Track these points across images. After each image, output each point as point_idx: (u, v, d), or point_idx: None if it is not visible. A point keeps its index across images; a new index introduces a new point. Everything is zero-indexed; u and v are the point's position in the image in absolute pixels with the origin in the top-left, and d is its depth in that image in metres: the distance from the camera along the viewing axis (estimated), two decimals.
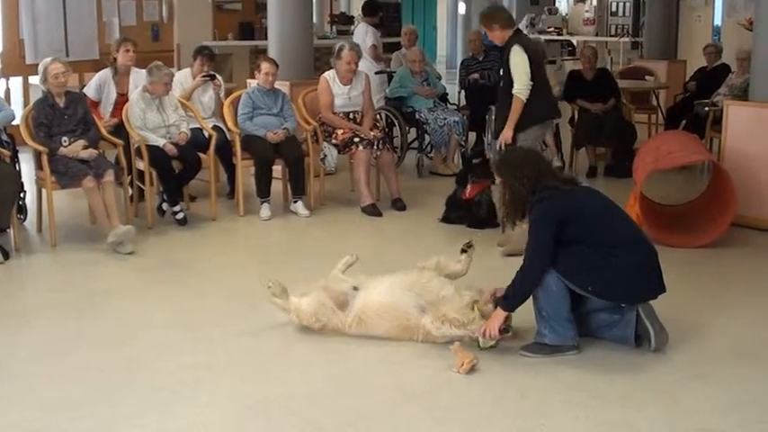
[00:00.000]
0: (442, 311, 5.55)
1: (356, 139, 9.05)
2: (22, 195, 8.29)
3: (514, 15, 25.06)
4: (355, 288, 5.83)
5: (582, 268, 5.31)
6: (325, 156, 9.14)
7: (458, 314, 5.51)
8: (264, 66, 9.10)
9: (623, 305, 5.49)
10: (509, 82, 7.63)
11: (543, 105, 7.77)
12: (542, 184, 5.45)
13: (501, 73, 7.81)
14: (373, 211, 8.91)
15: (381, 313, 5.66)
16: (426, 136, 10.93)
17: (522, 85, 7.55)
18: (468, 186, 8.40)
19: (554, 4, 25.44)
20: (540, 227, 5.36)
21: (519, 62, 7.58)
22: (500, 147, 7.60)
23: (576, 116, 11.16)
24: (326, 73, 9.46)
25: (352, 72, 9.31)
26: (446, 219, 8.60)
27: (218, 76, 9.57)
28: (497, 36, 7.78)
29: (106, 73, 9.38)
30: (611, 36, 22.17)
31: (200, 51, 9.61)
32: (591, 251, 5.31)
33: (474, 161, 8.72)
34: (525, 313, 5.54)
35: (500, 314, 5.39)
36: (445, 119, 10.70)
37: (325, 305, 5.71)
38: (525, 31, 22.98)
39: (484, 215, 8.27)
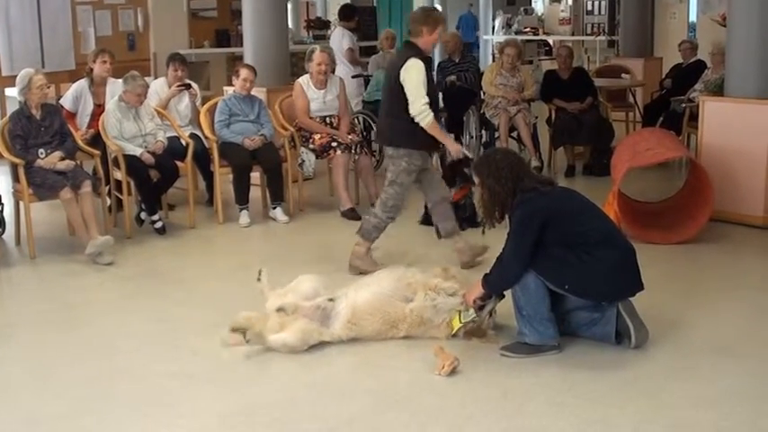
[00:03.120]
0: (433, 283, 5.71)
1: (334, 144, 9.06)
2: None
3: (491, 15, 25.37)
4: (331, 299, 5.78)
5: (559, 267, 5.34)
6: (303, 161, 9.13)
7: (448, 284, 5.71)
8: (243, 72, 9.10)
9: (602, 303, 5.51)
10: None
11: None
12: (522, 186, 5.48)
13: None
14: (353, 215, 8.89)
15: (373, 311, 5.69)
16: None
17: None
18: (455, 190, 8.35)
19: (530, 4, 25.54)
20: (522, 229, 5.39)
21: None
22: None
23: (554, 116, 11.18)
24: (301, 78, 9.48)
25: (323, 73, 9.31)
26: (426, 221, 8.60)
27: (193, 84, 9.55)
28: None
29: (82, 84, 9.35)
30: (587, 35, 22.24)
31: (171, 58, 9.59)
32: (568, 250, 5.34)
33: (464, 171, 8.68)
34: (506, 312, 5.58)
35: (478, 286, 5.55)
36: None
37: (310, 331, 5.63)
38: (501, 32, 23.22)
39: (463, 216, 8.29)
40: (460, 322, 5.60)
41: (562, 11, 23.49)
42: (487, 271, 5.61)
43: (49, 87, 7.89)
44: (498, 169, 5.53)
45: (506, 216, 5.58)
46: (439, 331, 5.67)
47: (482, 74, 11.72)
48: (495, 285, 5.54)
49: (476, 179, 5.78)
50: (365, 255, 7.16)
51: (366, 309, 5.70)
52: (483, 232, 5.76)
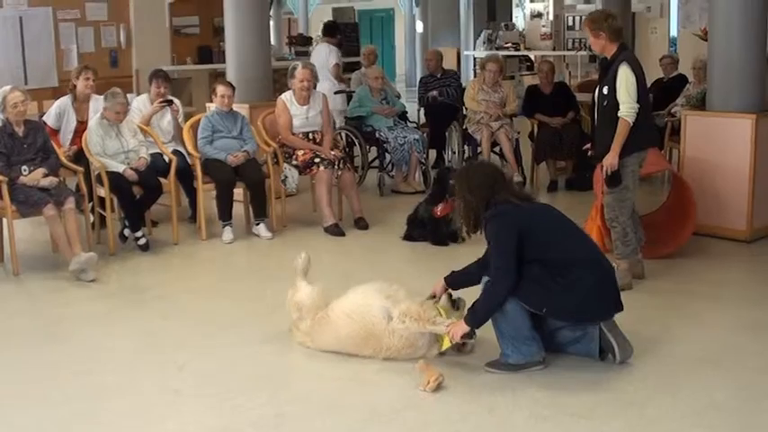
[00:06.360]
0: (405, 306, 5.60)
1: (317, 160, 9.04)
2: None
3: (472, 31, 25.45)
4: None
5: (535, 289, 5.30)
6: (286, 177, 9.13)
7: (420, 310, 5.57)
8: (220, 89, 9.10)
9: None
10: (614, 103, 6.84)
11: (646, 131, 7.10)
12: (495, 199, 5.45)
13: (605, 91, 6.96)
14: (336, 230, 8.90)
15: (350, 313, 5.70)
16: (387, 154, 10.93)
17: (629, 107, 6.76)
18: (441, 205, 8.32)
19: (511, 19, 25.61)
20: (500, 241, 5.36)
21: (629, 82, 6.77)
22: (606, 173, 6.85)
23: (536, 131, 11.21)
24: (283, 94, 9.46)
25: (306, 90, 9.31)
26: (408, 237, 8.61)
27: (175, 100, 9.53)
28: (599, 45, 6.95)
29: (65, 101, 9.33)
30: (568, 50, 22.28)
31: (154, 75, 9.58)
32: (544, 271, 5.31)
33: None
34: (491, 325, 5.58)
35: (464, 325, 5.40)
36: (405, 137, 10.71)
37: (318, 307, 5.89)
38: (482, 47, 23.26)
39: (447, 231, 8.28)
40: (450, 342, 5.56)
41: (543, 26, 23.56)
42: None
43: (24, 105, 7.83)
44: (471, 179, 5.54)
45: (481, 227, 5.56)
46: (423, 350, 5.64)
47: (464, 89, 11.76)
48: (481, 313, 5.37)
49: (454, 188, 5.83)
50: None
51: (345, 309, 5.74)
52: (463, 239, 5.78)
